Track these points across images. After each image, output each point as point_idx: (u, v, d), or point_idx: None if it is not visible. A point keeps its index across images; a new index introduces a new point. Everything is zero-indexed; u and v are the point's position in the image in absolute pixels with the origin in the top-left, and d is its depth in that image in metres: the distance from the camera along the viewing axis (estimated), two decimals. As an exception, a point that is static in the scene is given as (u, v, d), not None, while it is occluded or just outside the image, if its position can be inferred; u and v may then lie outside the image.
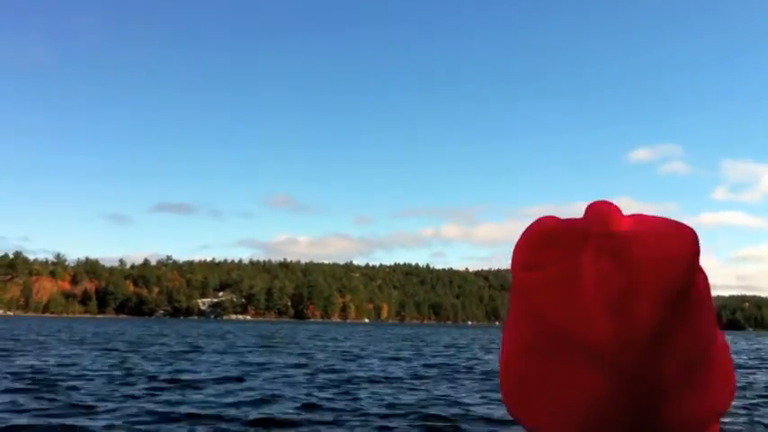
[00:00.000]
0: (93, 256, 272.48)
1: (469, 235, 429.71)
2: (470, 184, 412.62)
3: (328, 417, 12.82)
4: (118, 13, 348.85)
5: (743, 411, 13.69)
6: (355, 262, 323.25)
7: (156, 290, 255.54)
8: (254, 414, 12.84)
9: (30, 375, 18.55)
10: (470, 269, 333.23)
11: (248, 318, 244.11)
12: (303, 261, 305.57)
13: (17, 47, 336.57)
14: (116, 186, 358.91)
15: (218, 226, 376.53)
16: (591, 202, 0.74)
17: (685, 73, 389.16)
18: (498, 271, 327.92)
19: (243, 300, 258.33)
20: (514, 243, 0.73)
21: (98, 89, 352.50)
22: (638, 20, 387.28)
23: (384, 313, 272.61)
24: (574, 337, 0.70)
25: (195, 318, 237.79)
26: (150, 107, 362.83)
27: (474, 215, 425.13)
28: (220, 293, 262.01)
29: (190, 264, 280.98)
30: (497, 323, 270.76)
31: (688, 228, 0.73)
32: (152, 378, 18.52)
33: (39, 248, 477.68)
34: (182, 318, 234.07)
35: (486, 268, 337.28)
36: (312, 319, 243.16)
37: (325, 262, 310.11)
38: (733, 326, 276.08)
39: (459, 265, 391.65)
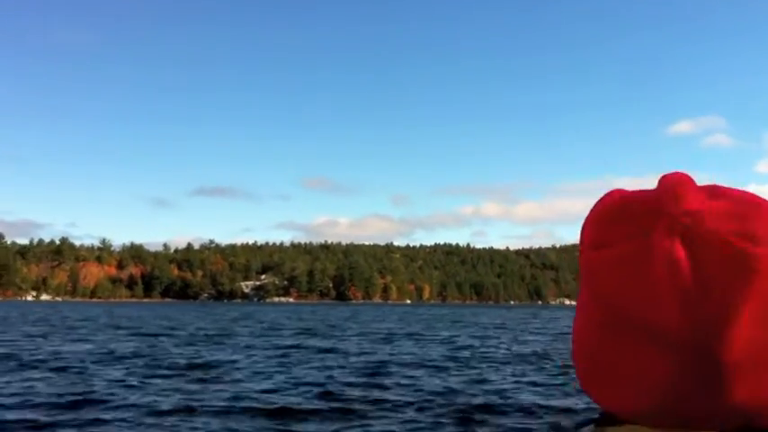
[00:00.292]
0: (137, 240, 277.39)
1: (509, 213, 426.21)
2: (509, 161, 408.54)
3: (351, 405, 12.27)
4: None
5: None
6: (395, 243, 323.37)
7: (199, 273, 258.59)
8: (276, 400, 12.35)
9: (52, 361, 18.39)
10: (511, 248, 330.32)
11: (290, 300, 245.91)
12: (344, 243, 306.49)
13: (58, 29, 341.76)
14: (157, 170, 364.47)
15: (257, 209, 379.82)
16: (664, 173, 0.70)
17: (727, 42, 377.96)
18: (540, 249, 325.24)
19: (285, 282, 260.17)
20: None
21: (138, 72, 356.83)
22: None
23: (426, 294, 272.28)
24: (642, 319, 0.69)
25: (239, 301, 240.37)
26: (187, 89, 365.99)
27: (513, 193, 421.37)
28: (263, 276, 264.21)
29: (232, 247, 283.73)
30: (539, 302, 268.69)
31: (764, 204, 0.70)
32: (174, 365, 18.17)
33: (85, 234, 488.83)
34: (225, 301, 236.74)
35: (527, 246, 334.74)
36: (354, 301, 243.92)
37: (366, 243, 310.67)
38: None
39: (499, 244, 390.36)
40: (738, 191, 0.71)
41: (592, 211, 0.75)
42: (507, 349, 25.18)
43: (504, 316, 75.92)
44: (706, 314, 0.66)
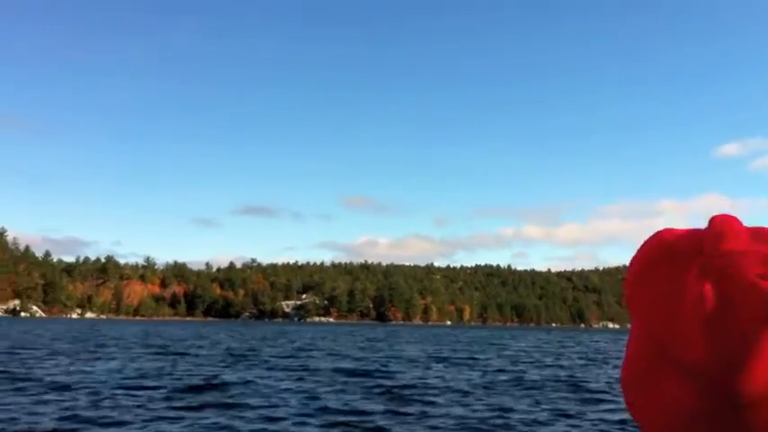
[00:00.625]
0: (180, 259, 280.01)
1: (551, 235, 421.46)
2: (551, 183, 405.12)
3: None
4: (200, 15, 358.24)
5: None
6: (436, 263, 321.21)
7: (241, 292, 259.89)
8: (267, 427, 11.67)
9: (62, 379, 18.02)
10: (553, 270, 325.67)
11: (331, 320, 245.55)
12: (384, 263, 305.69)
13: (107, 46, 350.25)
14: (201, 189, 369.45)
15: (299, 228, 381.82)
16: (714, 215, 0.76)
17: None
18: (582, 271, 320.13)
19: (325, 302, 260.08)
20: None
21: (184, 92, 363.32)
22: (729, 5, 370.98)
23: (466, 315, 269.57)
24: (674, 353, 0.75)
25: (280, 320, 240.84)
26: (231, 108, 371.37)
27: (556, 214, 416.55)
28: (303, 296, 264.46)
29: (273, 266, 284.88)
30: (582, 325, 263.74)
31: None
32: (176, 387, 17.61)
33: (129, 252, 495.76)
34: (266, 320, 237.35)
35: (569, 269, 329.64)
36: (393, 322, 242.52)
37: (406, 264, 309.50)
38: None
39: (541, 266, 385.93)
40: None
41: (639, 249, 0.81)
42: (540, 374, 24.12)
43: (544, 339, 74.25)
44: (729, 350, 0.71)
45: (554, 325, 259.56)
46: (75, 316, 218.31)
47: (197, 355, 31.28)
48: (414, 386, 19.03)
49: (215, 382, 18.85)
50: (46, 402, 14.17)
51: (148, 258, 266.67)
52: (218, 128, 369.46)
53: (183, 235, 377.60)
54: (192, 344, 43.85)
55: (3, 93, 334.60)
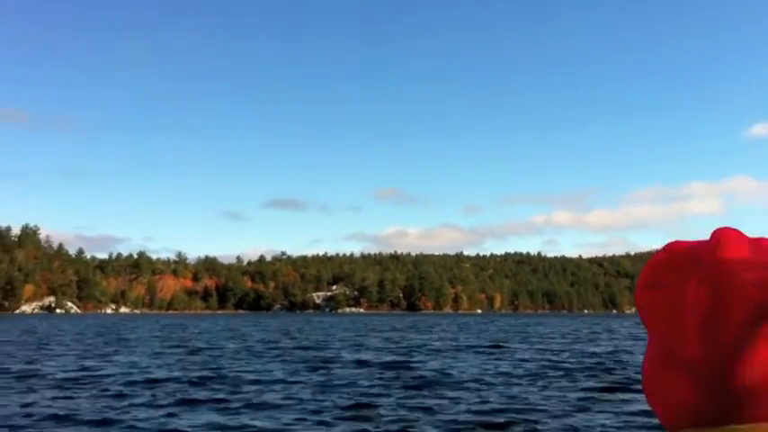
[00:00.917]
0: (211, 253, 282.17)
1: (581, 221, 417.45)
2: (580, 169, 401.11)
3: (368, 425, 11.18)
4: (214, 11, 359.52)
5: None
6: (465, 252, 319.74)
7: (272, 285, 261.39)
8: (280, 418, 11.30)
9: (79, 373, 17.88)
10: (584, 256, 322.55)
11: (361, 310, 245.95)
12: (413, 253, 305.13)
13: (123, 47, 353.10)
14: (230, 184, 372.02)
15: (327, 220, 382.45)
16: (716, 227, 0.87)
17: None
18: (614, 257, 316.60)
19: (356, 293, 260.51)
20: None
21: (213, 89, 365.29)
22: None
23: (497, 303, 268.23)
24: (675, 352, 0.85)
25: (311, 311, 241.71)
26: (260, 103, 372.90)
27: (586, 200, 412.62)
28: (334, 287, 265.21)
29: (303, 258, 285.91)
30: (614, 311, 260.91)
31: None
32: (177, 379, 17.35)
33: (161, 248, 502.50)
34: (298, 312, 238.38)
35: (600, 255, 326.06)
36: (424, 311, 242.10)
37: (436, 253, 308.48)
38: None
39: (572, 252, 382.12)
40: None
41: (651, 258, 0.92)
42: (561, 362, 23.50)
43: (573, 326, 73.23)
44: (720, 349, 0.81)
45: (586, 311, 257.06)
46: (109, 311, 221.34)
47: (217, 348, 31.14)
48: (434, 376, 18.60)
49: (230, 375, 18.58)
50: (51, 398, 14.00)
51: (180, 253, 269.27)
52: (245, 123, 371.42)
53: (213, 229, 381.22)
54: (214, 336, 43.81)
55: (39, 93, 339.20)
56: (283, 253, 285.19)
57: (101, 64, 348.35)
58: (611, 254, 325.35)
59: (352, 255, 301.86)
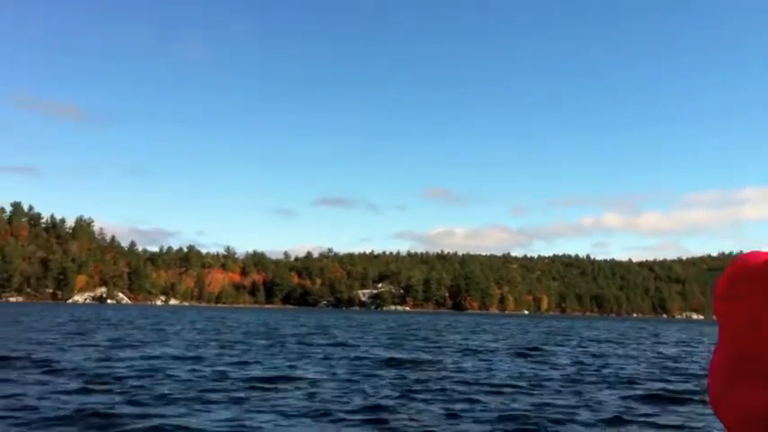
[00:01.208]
0: (260, 248, 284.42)
1: (632, 224, 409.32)
2: (632, 171, 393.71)
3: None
4: (271, 10, 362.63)
5: None
6: (513, 253, 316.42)
7: (318, 281, 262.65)
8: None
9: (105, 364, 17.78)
10: (634, 260, 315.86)
11: (407, 309, 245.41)
12: (460, 253, 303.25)
13: (177, 44, 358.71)
14: (281, 181, 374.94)
15: (375, 219, 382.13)
16: None
17: None
18: (665, 261, 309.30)
19: (401, 291, 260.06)
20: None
21: (264, 85, 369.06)
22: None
23: (544, 305, 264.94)
24: (757, 361, 0.85)
25: (356, 308, 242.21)
26: (312, 101, 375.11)
27: (637, 203, 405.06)
28: (380, 285, 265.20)
29: (350, 256, 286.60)
30: (664, 316, 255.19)
31: None
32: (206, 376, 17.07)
33: (212, 242, 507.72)
34: (343, 308, 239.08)
35: (651, 258, 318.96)
36: (470, 311, 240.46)
37: (483, 254, 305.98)
38: None
39: (621, 256, 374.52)
40: None
41: (728, 268, 0.93)
42: (602, 370, 22.63)
43: (619, 330, 71.51)
44: None
45: (635, 315, 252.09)
46: (159, 303, 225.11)
47: (248, 343, 31.01)
48: (469, 378, 18.05)
49: (252, 371, 18.29)
50: (70, 392, 13.86)
51: (229, 248, 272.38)
52: (297, 122, 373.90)
53: (262, 225, 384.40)
54: (249, 331, 43.81)
55: (94, 89, 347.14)
56: (330, 250, 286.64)
57: (157, 59, 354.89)
58: (661, 258, 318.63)
59: (398, 253, 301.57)
